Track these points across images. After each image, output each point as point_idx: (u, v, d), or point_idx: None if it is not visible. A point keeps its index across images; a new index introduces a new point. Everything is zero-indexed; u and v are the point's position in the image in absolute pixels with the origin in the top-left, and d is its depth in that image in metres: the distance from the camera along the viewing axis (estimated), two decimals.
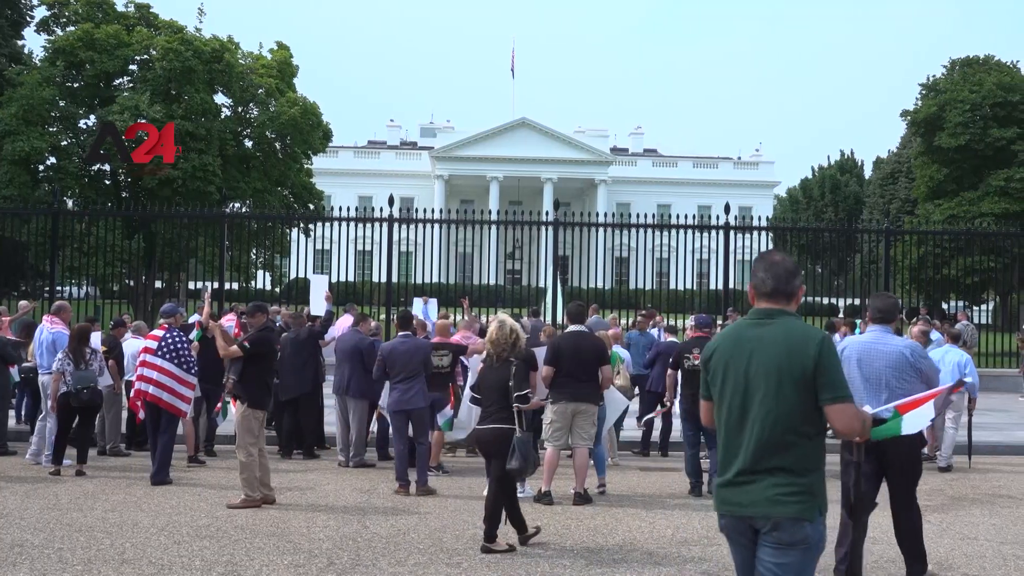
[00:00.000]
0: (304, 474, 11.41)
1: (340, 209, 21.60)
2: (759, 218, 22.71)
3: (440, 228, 22.92)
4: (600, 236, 24.61)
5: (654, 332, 16.78)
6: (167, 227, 26.69)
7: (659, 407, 12.40)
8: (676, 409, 11.52)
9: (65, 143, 36.40)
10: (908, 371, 6.92)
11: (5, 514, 8.80)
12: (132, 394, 11.25)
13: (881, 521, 7.61)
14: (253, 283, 34.73)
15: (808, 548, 3.86)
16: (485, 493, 8.20)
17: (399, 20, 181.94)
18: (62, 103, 36.43)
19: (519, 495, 9.73)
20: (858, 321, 16.59)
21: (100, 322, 16.29)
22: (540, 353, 9.59)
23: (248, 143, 39.72)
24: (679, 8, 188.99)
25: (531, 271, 28.20)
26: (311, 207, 41.67)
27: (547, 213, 22.64)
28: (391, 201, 20.61)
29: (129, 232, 32.47)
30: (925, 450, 10.24)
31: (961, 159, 44.32)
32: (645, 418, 13.19)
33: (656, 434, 13.68)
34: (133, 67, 37.62)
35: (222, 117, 38.36)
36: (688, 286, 23.49)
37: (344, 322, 14.21)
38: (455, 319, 16.56)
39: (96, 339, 12.12)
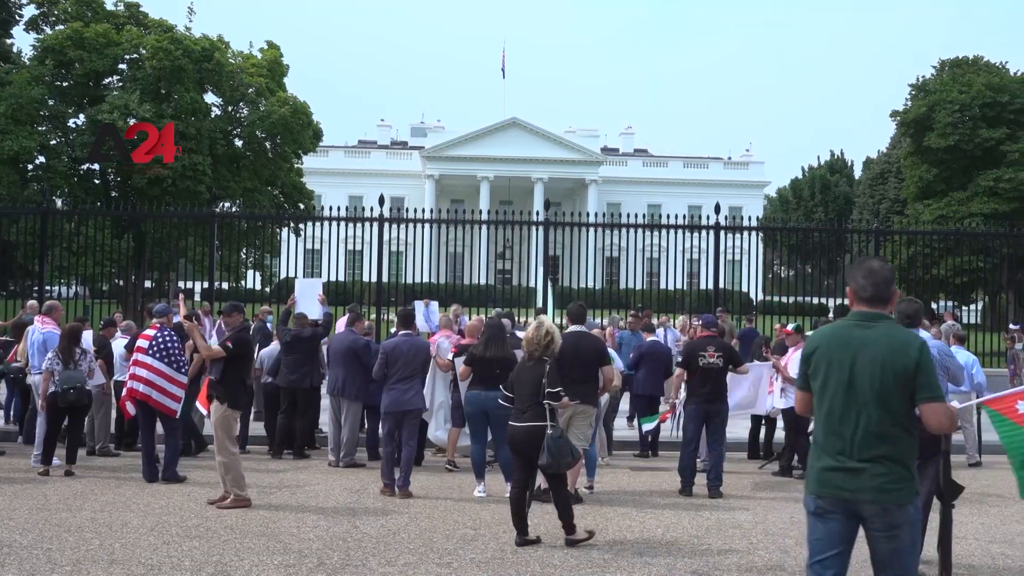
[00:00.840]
0: (294, 474, 11.40)
1: (330, 209, 21.50)
2: (749, 218, 22.74)
3: (431, 228, 22.90)
4: (591, 236, 24.71)
5: (660, 333, 16.61)
6: (157, 227, 26.53)
7: (671, 407, 12.14)
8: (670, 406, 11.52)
9: (54, 142, 36.28)
10: (937, 370, 7.08)
11: None
12: (124, 392, 11.26)
13: None
14: (243, 283, 34.61)
15: (913, 524, 4.45)
16: (508, 495, 8.37)
17: (389, 20, 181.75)
18: (51, 102, 36.32)
19: (476, 494, 9.86)
20: None
21: (90, 321, 16.24)
22: (519, 355, 9.54)
23: (238, 142, 39.59)
24: (669, 9, 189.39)
25: (521, 271, 28.11)
26: (301, 207, 41.56)
27: (538, 213, 22.66)
28: (381, 201, 20.55)
29: (118, 232, 32.32)
30: None
31: (950, 159, 44.44)
32: (647, 427, 12.90)
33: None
34: (123, 66, 37.52)
35: (212, 116, 38.26)
36: (678, 286, 23.52)
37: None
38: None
39: (87, 339, 12.09)
